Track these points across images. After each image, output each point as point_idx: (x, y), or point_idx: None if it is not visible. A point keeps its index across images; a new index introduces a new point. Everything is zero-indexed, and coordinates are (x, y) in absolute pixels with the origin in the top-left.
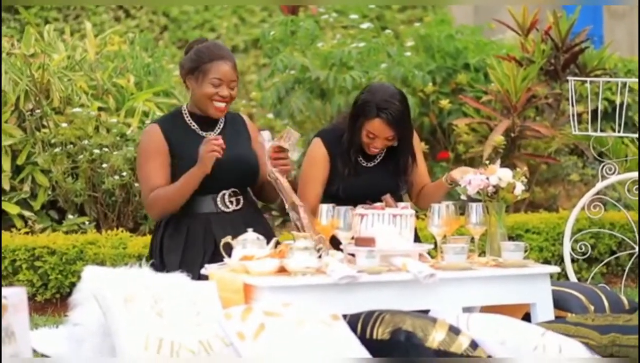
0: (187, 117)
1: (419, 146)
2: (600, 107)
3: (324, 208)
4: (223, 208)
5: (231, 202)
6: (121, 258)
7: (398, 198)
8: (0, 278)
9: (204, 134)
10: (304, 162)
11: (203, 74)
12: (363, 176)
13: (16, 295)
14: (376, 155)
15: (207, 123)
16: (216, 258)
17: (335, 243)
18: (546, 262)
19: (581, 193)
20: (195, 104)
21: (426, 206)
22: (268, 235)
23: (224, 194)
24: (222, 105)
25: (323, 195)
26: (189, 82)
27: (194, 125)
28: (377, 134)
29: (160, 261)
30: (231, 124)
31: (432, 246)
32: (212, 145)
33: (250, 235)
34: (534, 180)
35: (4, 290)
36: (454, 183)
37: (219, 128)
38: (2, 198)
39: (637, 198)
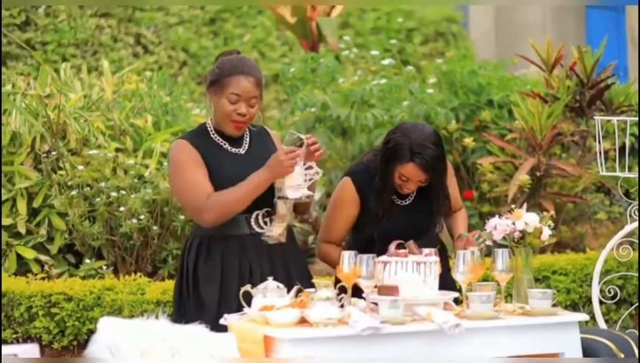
0: (212, 133)
1: (452, 175)
2: (627, 143)
3: (346, 255)
4: (257, 229)
5: (265, 223)
6: (139, 305)
7: (433, 237)
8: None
9: (232, 149)
10: (330, 202)
11: (222, 88)
12: (398, 216)
13: (28, 352)
14: (409, 194)
15: (233, 138)
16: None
17: (357, 290)
18: (573, 304)
19: (609, 232)
20: (215, 120)
21: None
22: (299, 259)
23: (257, 214)
24: (240, 123)
25: (357, 238)
26: (209, 96)
27: (220, 141)
28: (411, 177)
29: (193, 291)
30: (257, 139)
31: (457, 294)
32: (291, 158)
33: (271, 283)
34: (560, 219)
35: (16, 348)
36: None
37: (246, 143)
38: (18, 242)
39: None
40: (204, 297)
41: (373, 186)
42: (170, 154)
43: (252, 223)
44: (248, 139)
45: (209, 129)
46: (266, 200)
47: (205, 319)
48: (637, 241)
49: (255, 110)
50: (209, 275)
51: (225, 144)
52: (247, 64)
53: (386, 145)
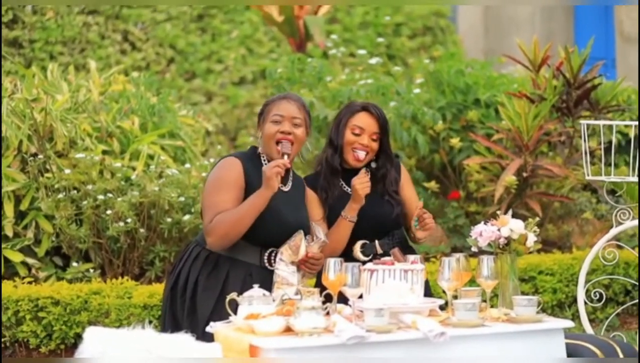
0: (264, 161)
1: (408, 177)
2: (614, 141)
3: (331, 262)
4: (267, 265)
5: (275, 261)
6: (126, 308)
7: (394, 223)
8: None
9: (279, 185)
10: None
11: (265, 115)
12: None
13: None
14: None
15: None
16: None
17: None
18: (560, 303)
19: (595, 230)
20: (264, 151)
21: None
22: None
23: (271, 252)
24: (285, 140)
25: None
26: (260, 132)
27: None
28: (364, 126)
29: (190, 299)
30: (297, 185)
31: (442, 301)
32: (277, 165)
33: (257, 291)
34: (547, 217)
35: None
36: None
37: (290, 183)
38: (5, 245)
39: None
40: (198, 307)
41: (322, 168)
42: (215, 167)
43: (265, 258)
44: (291, 180)
45: (262, 157)
46: (284, 241)
47: (196, 328)
48: (622, 244)
49: (301, 133)
50: (208, 288)
51: None
52: (289, 93)
53: (338, 114)
